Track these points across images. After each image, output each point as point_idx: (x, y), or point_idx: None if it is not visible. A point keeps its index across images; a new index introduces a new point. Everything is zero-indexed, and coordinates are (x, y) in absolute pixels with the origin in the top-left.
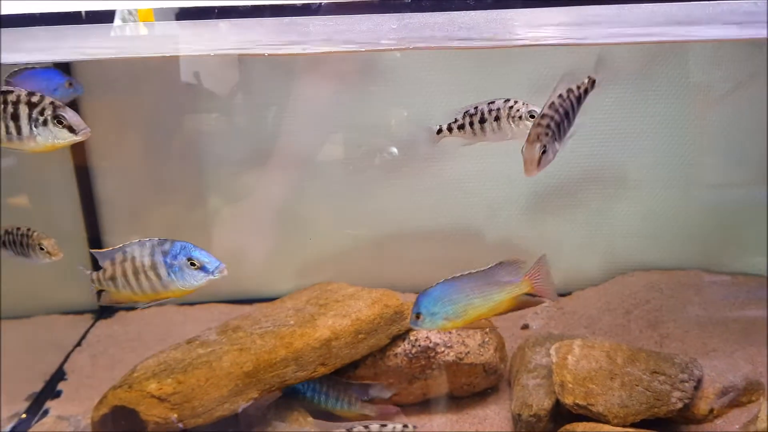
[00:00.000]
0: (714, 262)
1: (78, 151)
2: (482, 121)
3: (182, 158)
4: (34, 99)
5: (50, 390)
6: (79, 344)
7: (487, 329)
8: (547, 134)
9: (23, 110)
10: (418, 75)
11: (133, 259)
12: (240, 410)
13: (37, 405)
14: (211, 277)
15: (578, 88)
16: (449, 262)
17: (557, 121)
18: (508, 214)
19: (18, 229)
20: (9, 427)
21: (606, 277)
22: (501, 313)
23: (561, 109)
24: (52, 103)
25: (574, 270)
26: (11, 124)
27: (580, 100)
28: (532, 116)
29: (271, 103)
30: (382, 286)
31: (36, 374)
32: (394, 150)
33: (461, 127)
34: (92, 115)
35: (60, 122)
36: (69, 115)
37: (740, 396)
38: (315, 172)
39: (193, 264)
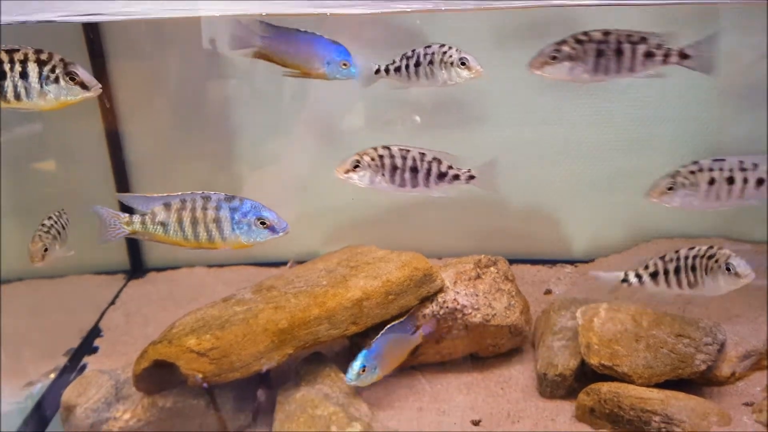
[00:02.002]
0: (737, 230)
1: (108, 115)
2: (417, 65)
3: (212, 122)
4: (43, 56)
5: (87, 346)
6: (113, 303)
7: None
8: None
9: (32, 68)
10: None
11: (194, 209)
12: (275, 365)
13: (75, 360)
14: (276, 236)
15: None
16: (472, 229)
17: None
18: (531, 182)
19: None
20: (48, 381)
21: (629, 245)
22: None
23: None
24: (62, 59)
25: (598, 238)
26: (20, 83)
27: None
28: (464, 63)
29: None
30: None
31: (73, 331)
32: (417, 118)
33: (397, 69)
34: (121, 79)
35: (72, 79)
36: (80, 71)
37: (762, 360)
38: (342, 138)
39: (263, 223)
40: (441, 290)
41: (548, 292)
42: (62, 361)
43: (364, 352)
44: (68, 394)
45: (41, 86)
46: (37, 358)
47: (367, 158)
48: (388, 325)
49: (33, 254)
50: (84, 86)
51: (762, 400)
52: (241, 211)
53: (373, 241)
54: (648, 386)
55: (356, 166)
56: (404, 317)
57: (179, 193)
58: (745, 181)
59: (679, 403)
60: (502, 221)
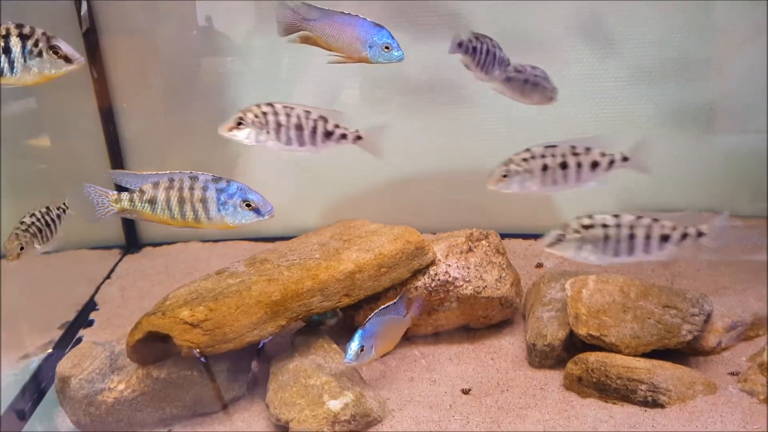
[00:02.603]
0: (726, 206)
1: (102, 92)
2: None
3: (207, 98)
4: (25, 31)
5: (83, 319)
6: (108, 277)
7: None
8: None
9: (15, 43)
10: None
11: (182, 189)
12: (269, 337)
13: (71, 333)
14: (261, 218)
15: None
16: (465, 204)
17: None
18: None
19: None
20: (44, 354)
21: None
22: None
23: None
24: (44, 33)
25: (588, 212)
26: (3, 58)
27: None
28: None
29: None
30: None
31: (68, 305)
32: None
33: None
34: (115, 56)
35: (56, 52)
36: (63, 45)
37: (748, 330)
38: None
39: (248, 205)
40: (433, 263)
41: (539, 265)
42: (58, 334)
43: (360, 332)
44: (63, 366)
45: (25, 61)
46: (33, 331)
47: (250, 115)
48: (382, 306)
49: (8, 252)
50: (67, 59)
51: (747, 370)
52: (227, 192)
53: (367, 216)
54: (635, 356)
55: (239, 124)
56: (396, 300)
57: (168, 172)
58: (579, 165)
59: (665, 372)
60: (494, 196)
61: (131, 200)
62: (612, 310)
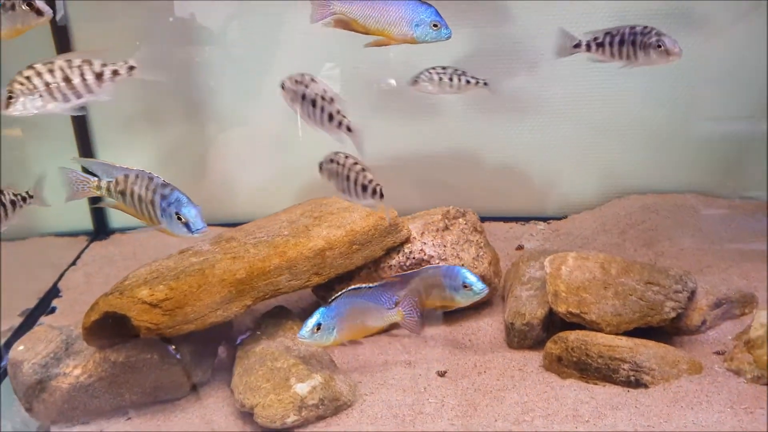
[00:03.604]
0: (710, 188)
1: None
2: (621, 43)
3: (182, 85)
4: None
5: (45, 306)
6: (74, 263)
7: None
8: None
9: None
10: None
11: (140, 187)
12: (233, 317)
13: (31, 320)
14: (191, 235)
15: None
16: (445, 187)
17: None
18: (506, 140)
19: None
20: (3, 340)
21: (602, 201)
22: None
23: None
24: None
25: (571, 194)
26: None
27: None
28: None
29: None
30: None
31: (30, 293)
32: (392, 81)
33: (600, 45)
34: (85, 43)
35: (30, 5)
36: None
37: (733, 308)
38: None
39: (179, 218)
40: (407, 240)
41: (520, 247)
42: (18, 321)
43: (322, 309)
44: (15, 350)
45: None
46: None
47: (16, 85)
48: (355, 286)
49: None
50: (39, 12)
51: (733, 349)
52: (167, 200)
53: None
54: (617, 334)
55: (10, 98)
56: (375, 285)
57: (134, 168)
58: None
59: (648, 350)
60: (475, 178)
61: (108, 188)
62: (592, 287)
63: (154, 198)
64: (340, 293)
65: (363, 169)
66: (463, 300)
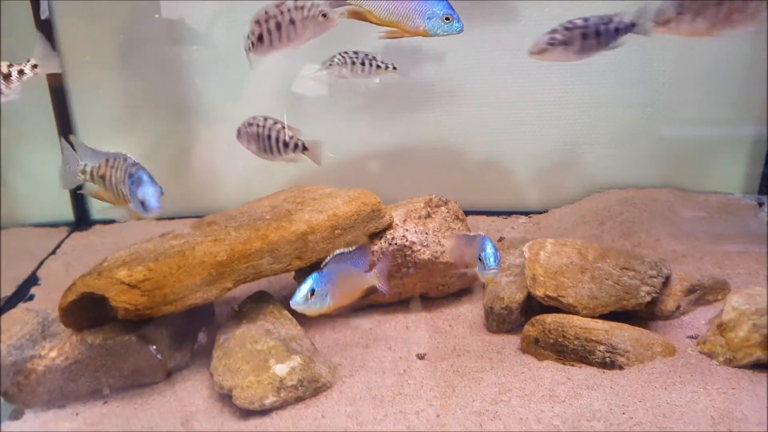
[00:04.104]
0: (686, 181)
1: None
2: None
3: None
4: None
5: (23, 294)
6: (53, 253)
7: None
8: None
9: None
10: None
11: (115, 169)
12: (213, 299)
13: (8, 307)
14: (146, 214)
15: None
16: (429, 181)
17: None
18: (490, 136)
19: None
20: None
21: (582, 195)
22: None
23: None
24: None
25: (552, 189)
26: None
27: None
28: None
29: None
30: None
31: (9, 280)
32: (376, 80)
33: None
34: (70, 37)
35: None
36: None
37: (707, 294)
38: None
39: (138, 197)
40: (390, 227)
41: (501, 239)
42: None
43: (315, 275)
44: None
45: None
46: None
47: None
48: (339, 251)
49: None
50: None
51: (706, 333)
52: (132, 179)
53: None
54: (593, 317)
55: None
56: (354, 249)
57: (112, 151)
58: None
59: (623, 333)
60: (458, 173)
61: (92, 173)
62: (570, 271)
63: (124, 177)
64: (329, 258)
65: (283, 127)
66: None
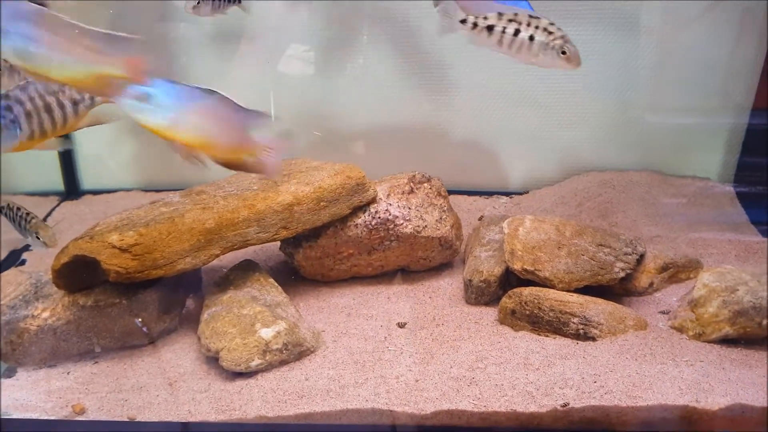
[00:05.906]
0: (665, 164)
1: None
2: (516, 33)
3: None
4: None
5: (14, 259)
6: (44, 220)
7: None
8: None
9: None
10: None
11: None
12: (201, 265)
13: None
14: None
15: None
16: (411, 157)
17: None
18: (472, 117)
19: (18, 209)
20: None
21: (563, 177)
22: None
23: None
24: None
25: (532, 171)
26: None
27: None
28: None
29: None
30: None
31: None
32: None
33: (489, 28)
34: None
35: None
36: None
37: (679, 272)
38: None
39: None
40: (374, 200)
41: (482, 217)
42: None
43: (168, 83)
44: None
45: None
46: None
47: None
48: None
49: None
50: None
51: (677, 308)
52: None
53: None
54: (568, 291)
55: None
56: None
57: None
58: None
59: (597, 307)
60: (441, 153)
61: None
62: (547, 246)
63: None
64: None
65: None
66: None
